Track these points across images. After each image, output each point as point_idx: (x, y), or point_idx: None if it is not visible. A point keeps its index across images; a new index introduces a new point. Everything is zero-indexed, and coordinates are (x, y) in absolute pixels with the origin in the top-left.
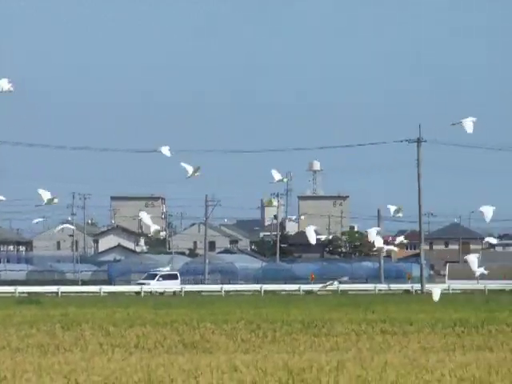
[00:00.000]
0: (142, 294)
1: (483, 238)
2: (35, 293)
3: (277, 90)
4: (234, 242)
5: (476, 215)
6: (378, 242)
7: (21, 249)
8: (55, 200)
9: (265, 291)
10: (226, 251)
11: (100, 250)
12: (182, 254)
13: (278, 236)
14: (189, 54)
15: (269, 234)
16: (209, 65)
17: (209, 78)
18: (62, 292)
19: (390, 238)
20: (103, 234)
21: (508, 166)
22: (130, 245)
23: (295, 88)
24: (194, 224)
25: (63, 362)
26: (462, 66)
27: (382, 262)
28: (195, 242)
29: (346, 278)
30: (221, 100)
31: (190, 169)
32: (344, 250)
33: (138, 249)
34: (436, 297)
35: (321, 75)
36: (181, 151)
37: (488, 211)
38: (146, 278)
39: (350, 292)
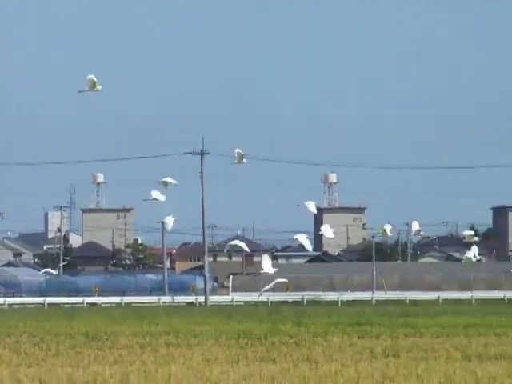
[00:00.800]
0: None
1: (267, 250)
2: None
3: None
4: (17, 255)
5: (259, 227)
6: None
7: None
8: (162, 198)
9: (48, 304)
10: (9, 264)
11: None
12: None
13: (62, 249)
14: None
15: (52, 246)
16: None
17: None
18: None
19: (174, 251)
20: None
21: (289, 178)
22: None
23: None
24: None
25: None
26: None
27: (166, 274)
28: None
29: None
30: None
31: (160, 196)
32: (128, 262)
33: None
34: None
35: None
36: None
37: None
38: None
39: (133, 304)
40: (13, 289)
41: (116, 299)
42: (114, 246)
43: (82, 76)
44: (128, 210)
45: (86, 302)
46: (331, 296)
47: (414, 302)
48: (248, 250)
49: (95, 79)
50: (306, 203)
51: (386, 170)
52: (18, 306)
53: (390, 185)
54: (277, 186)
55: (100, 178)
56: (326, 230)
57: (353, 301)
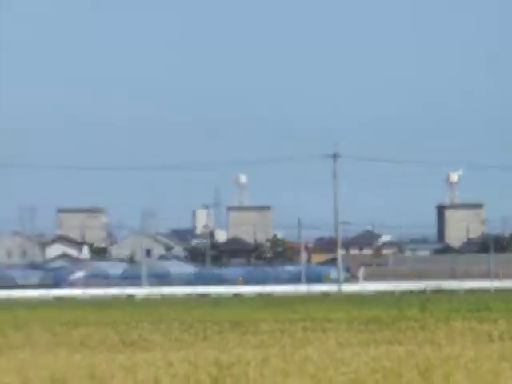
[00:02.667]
0: None
1: (394, 244)
2: None
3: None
4: (168, 249)
5: (387, 222)
6: None
7: None
8: None
9: (197, 294)
10: (162, 258)
11: (47, 258)
12: (122, 260)
13: (209, 243)
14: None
15: (199, 241)
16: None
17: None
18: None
19: (310, 245)
20: (50, 243)
21: (412, 178)
22: (74, 252)
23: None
24: (132, 233)
25: (13, 359)
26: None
27: (303, 266)
28: (134, 250)
29: None
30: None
31: None
32: (269, 255)
33: (81, 256)
34: None
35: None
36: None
37: None
38: None
39: (274, 294)
40: (164, 280)
41: (258, 289)
42: (255, 240)
43: None
44: (267, 208)
45: (230, 291)
46: (452, 285)
47: None
48: None
49: None
50: None
51: None
52: (169, 296)
53: None
54: (402, 185)
55: (243, 179)
56: None
57: (472, 289)
